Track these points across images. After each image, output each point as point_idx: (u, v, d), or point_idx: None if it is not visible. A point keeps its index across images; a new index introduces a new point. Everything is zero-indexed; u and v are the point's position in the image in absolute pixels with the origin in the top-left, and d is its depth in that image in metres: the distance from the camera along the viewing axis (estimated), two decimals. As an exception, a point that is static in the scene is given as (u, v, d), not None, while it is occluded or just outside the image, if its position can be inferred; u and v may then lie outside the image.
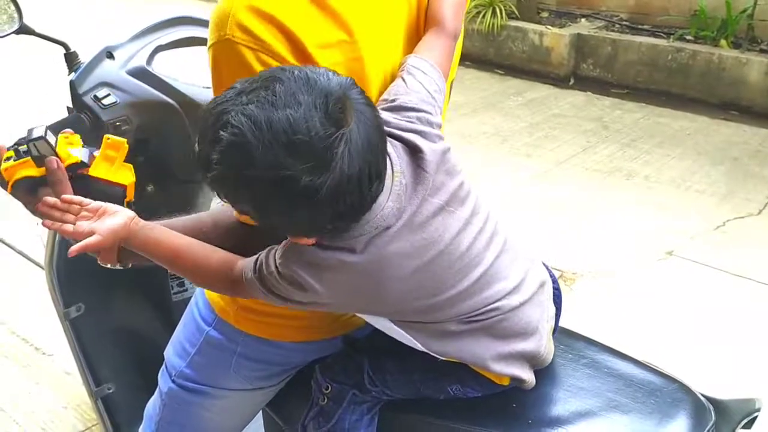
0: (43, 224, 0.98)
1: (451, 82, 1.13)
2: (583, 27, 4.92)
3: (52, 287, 1.57)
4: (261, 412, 1.29)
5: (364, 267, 0.90)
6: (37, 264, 2.62)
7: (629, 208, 3.21)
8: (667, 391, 1.07)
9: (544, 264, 1.10)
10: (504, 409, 1.05)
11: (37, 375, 2.26)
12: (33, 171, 1.02)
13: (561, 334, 1.15)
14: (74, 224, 0.98)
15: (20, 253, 2.79)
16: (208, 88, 1.46)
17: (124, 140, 1.05)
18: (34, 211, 1.03)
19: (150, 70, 1.42)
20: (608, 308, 2.52)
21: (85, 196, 1.01)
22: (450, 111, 1.10)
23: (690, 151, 3.79)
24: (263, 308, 1.11)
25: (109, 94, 1.35)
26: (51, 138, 1.02)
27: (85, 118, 1.33)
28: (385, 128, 0.89)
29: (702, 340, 2.34)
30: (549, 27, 4.92)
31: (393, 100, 0.96)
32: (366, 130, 0.82)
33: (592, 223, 3.10)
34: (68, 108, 1.38)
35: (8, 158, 1.04)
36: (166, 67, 1.47)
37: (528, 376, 1.03)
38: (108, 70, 1.38)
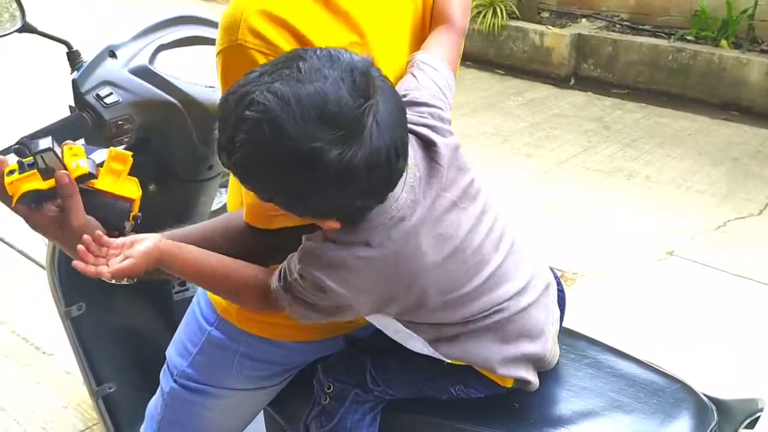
0: (74, 265, 0.93)
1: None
2: (584, 27, 4.92)
3: (53, 286, 1.57)
4: (263, 411, 1.29)
5: (381, 261, 0.89)
6: (38, 263, 2.61)
7: (630, 208, 3.21)
8: (669, 391, 1.07)
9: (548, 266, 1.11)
10: (506, 409, 1.04)
11: (38, 374, 2.26)
12: (40, 184, 0.98)
13: (563, 334, 1.14)
14: (108, 265, 0.93)
15: (20, 252, 2.78)
16: (210, 87, 1.47)
17: (129, 153, 1.02)
18: (36, 227, 1.00)
19: (152, 69, 1.42)
20: (608, 308, 2.52)
21: (90, 210, 0.99)
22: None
23: (690, 151, 3.79)
24: (265, 307, 1.11)
25: (111, 93, 1.34)
26: (57, 149, 0.98)
27: (88, 117, 1.33)
28: None
29: (702, 340, 2.34)
30: (549, 27, 4.91)
31: (404, 96, 0.96)
32: (389, 104, 0.82)
33: (593, 223, 3.10)
34: (70, 107, 1.37)
35: (11, 171, 0.99)
36: (169, 66, 1.46)
37: (533, 378, 1.03)
38: (110, 68, 1.38)
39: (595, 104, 4.45)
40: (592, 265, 2.78)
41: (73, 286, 1.56)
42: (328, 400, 1.07)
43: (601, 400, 1.05)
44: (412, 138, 0.93)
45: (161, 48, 1.47)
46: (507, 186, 3.37)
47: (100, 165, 1.03)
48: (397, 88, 0.97)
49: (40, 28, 1.44)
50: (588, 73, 4.79)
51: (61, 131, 1.23)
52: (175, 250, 0.96)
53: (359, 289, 0.91)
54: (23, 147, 1.24)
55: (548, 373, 1.08)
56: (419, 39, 1.07)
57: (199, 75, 1.47)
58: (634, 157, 3.72)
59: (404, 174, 0.89)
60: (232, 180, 1.12)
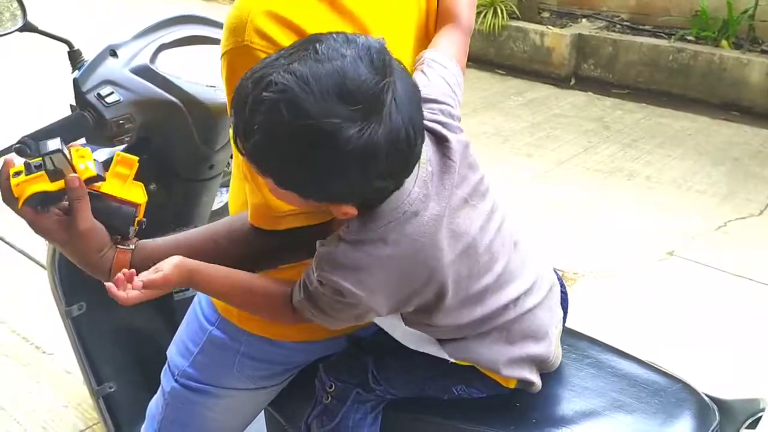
0: (108, 287, 0.93)
1: None
2: (584, 27, 4.92)
3: (53, 286, 1.57)
4: (263, 411, 1.29)
5: (398, 259, 0.88)
6: (38, 263, 2.61)
7: (630, 208, 3.21)
8: (671, 391, 1.07)
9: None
10: (508, 409, 1.04)
11: (38, 374, 2.26)
12: (48, 186, 0.96)
13: (565, 334, 1.14)
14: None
15: (21, 251, 2.78)
16: (212, 86, 1.47)
17: (136, 158, 1.01)
18: (40, 230, 0.98)
19: (153, 68, 1.42)
20: (609, 308, 2.52)
21: (95, 214, 0.98)
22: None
23: (691, 151, 3.79)
24: (267, 307, 1.11)
25: (112, 92, 1.34)
26: (66, 151, 0.96)
27: (89, 116, 1.33)
28: None
29: (703, 341, 2.34)
30: (550, 27, 4.91)
31: None
32: (406, 85, 0.82)
33: (593, 223, 3.10)
34: (71, 106, 1.37)
35: (17, 173, 0.97)
36: (170, 65, 1.46)
37: (536, 379, 1.03)
38: (111, 68, 1.38)
39: (595, 104, 4.45)
40: (593, 265, 2.78)
41: (73, 286, 1.56)
42: (329, 399, 1.07)
43: (603, 400, 1.05)
44: (425, 134, 0.93)
45: (162, 47, 1.47)
46: (507, 186, 3.37)
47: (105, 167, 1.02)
48: None
49: (41, 28, 1.44)
50: (588, 73, 4.79)
51: (62, 130, 1.22)
52: (202, 267, 0.96)
53: (376, 289, 0.90)
54: (24, 146, 1.24)
55: (550, 373, 1.08)
56: (423, 39, 1.07)
57: (200, 74, 1.47)
58: (634, 158, 3.72)
59: (417, 167, 0.88)
60: (234, 180, 1.12)
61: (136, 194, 1.01)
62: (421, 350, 1.02)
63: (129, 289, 0.92)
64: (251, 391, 1.20)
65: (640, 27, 4.89)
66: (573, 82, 4.80)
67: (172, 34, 1.49)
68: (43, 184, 0.96)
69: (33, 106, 3.63)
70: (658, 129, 4.07)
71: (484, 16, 4.91)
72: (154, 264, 0.99)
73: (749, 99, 4.21)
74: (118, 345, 1.67)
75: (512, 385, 1.03)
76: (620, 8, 5.09)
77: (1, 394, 2.17)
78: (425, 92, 0.96)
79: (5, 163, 0.98)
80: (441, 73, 1.00)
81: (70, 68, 1.45)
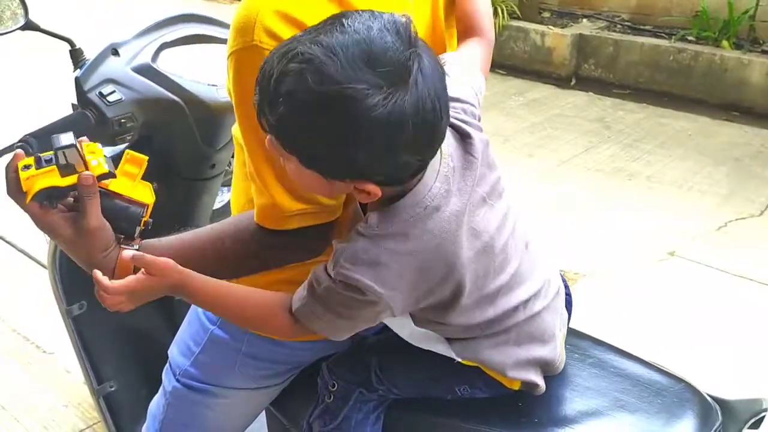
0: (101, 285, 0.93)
1: None
2: (585, 27, 4.92)
3: (54, 285, 1.56)
4: (265, 410, 1.28)
5: (419, 254, 0.87)
6: (38, 262, 2.61)
7: (631, 208, 3.21)
8: (673, 391, 1.07)
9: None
10: (510, 409, 1.04)
11: (38, 373, 2.26)
12: (58, 181, 0.94)
13: (567, 334, 1.14)
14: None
15: (21, 251, 2.78)
16: (213, 85, 1.47)
17: (146, 157, 1.00)
18: (45, 226, 0.97)
19: (155, 67, 1.42)
20: (609, 308, 2.52)
21: (102, 212, 0.96)
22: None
23: (692, 151, 3.78)
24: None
25: (114, 91, 1.34)
26: (79, 146, 0.95)
27: (90, 115, 1.33)
28: None
29: (703, 341, 2.34)
30: (551, 27, 4.91)
31: None
32: (431, 59, 0.82)
33: (594, 223, 3.10)
34: (73, 105, 1.37)
35: (27, 166, 0.95)
36: (172, 64, 1.46)
37: (541, 381, 1.03)
38: (113, 66, 1.38)
39: (596, 104, 4.45)
40: (593, 265, 2.78)
41: (74, 285, 1.56)
42: (332, 398, 1.06)
43: (605, 400, 1.05)
44: (448, 130, 0.92)
45: (164, 46, 1.47)
46: (508, 186, 3.37)
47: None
48: None
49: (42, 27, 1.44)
50: (589, 74, 4.78)
51: (63, 129, 1.22)
52: (192, 274, 0.94)
53: (397, 286, 0.88)
54: (26, 145, 1.24)
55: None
56: (431, 42, 1.07)
57: (202, 73, 1.47)
58: (635, 158, 3.72)
59: (439, 161, 0.88)
60: (236, 179, 1.12)
61: (145, 194, 1.00)
62: (429, 349, 1.01)
63: (112, 286, 0.91)
64: (253, 391, 1.20)
65: (641, 27, 4.89)
66: (574, 82, 4.79)
67: (173, 33, 1.49)
68: (53, 179, 0.94)
69: (33, 105, 3.63)
70: (659, 129, 4.07)
71: (485, 16, 4.91)
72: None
73: (750, 99, 4.21)
74: (119, 344, 1.67)
75: (516, 386, 1.03)
76: (621, 8, 5.09)
77: (2, 393, 2.16)
78: (450, 91, 0.96)
79: (15, 156, 0.96)
80: (464, 76, 1.01)
81: (72, 67, 1.45)
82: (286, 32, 0.90)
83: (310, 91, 0.77)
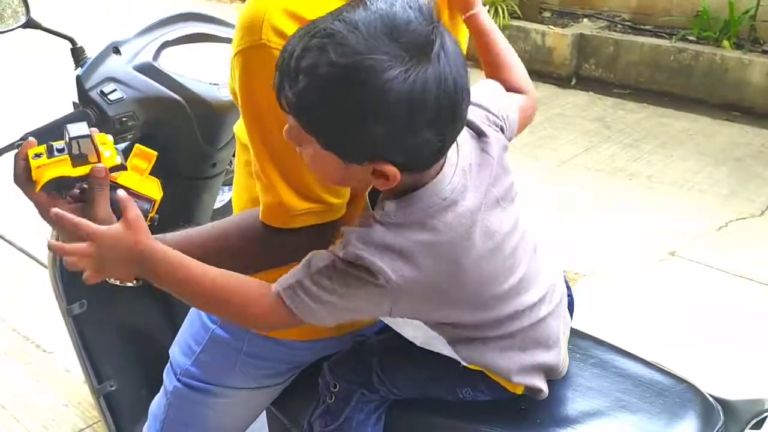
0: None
1: None
2: (586, 27, 4.91)
3: (54, 284, 1.56)
4: (266, 410, 1.28)
5: (435, 246, 0.86)
6: (38, 261, 2.61)
7: (631, 208, 3.21)
8: (675, 392, 1.07)
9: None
10: (512, 410, 1.04)
11: (39, 372, 2.25)
12: (69, 171, 0.93)
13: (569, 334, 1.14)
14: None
15: (21, 250, 2.78)
16: (215, 84, 1.46)
17: (155, 152, 0.99)
18: (51, 218, 0.93)
19: (157, 65, 1.42)
20: (610, 308, 2.52)
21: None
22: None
23: (692, 151, 3.78)
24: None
25: (115, 90, 1.34)
26: (93, 137, 0.94)
27: (91, 114, 1.33)
28: None
29: (704, 341, 2.34)
30: (551, 27, 4.91)
31: None
32: (453, 42, 0.81)
33: (594, 222, 3.10)
34: (74, 103, 1.37)
35: (37, 155, 0.94)
36: (173, 63, 1.46)
37: (544, 386, 1.02)
38: (114, 65, 1.38)
39: (596, 104, 4.45)
40: (594, 265, 2.78)
41: (74, 284, 1.56)
42: (333, 399, 1.06)
43: (607, 400, 1.05)
44: (464, 129, 0.92)
45: (166, 45, 1.46)
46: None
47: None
48: None
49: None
50: (589, 73, 4.78)
51: (57, 132, 1.22)
52: (165, 247, 0.89)
53: (407, 274, 0.85)
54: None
55: (554, 373, 1.07)
56: None
57: (203, 72, 1.46)
58: (635, 157, 3.72)
59: (456, 154, 0.88)
60: (238, 178, 1.12)
61: (153, 189, 0.99)
62: (431, 349, 1.01)
63: (86, 224, 0.86)
64: (253, 390, 1.20)
65: (642, 27, 4.88)
66: (574, 81, 4.79)
67: (175, 32, 1.49)
68: (65, 169, 0.93)
69: (33, 105, 3.63)
70: (660, 129, 4.06)
71: (485, 15, 4.91)
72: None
73: (750, 99, 4.21)
74: (119, 343, 1.67)
75: (519, 391, 1.02)
76: (621, 8, 5.09)
77: (2, 392, 2.16)
78: (474, 97, 0.95)
79: (26, 143, 0.95)
80: (498, 97, 1.02)
81: (73, 65, 1.45)
82: (295, 31, 0.89)
83: (331, 63, 0.76)
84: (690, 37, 4.53)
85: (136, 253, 0.87)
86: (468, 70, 0.83)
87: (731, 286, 2.66)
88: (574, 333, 1.15)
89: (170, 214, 1.12)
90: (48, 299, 1.62)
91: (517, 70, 1.14)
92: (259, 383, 1.19)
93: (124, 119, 1.34)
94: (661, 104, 4.37)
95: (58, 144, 0.94)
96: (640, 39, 4.63)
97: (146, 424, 1.30)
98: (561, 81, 4.78)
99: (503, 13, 4.90)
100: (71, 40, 1.45)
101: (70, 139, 0.93)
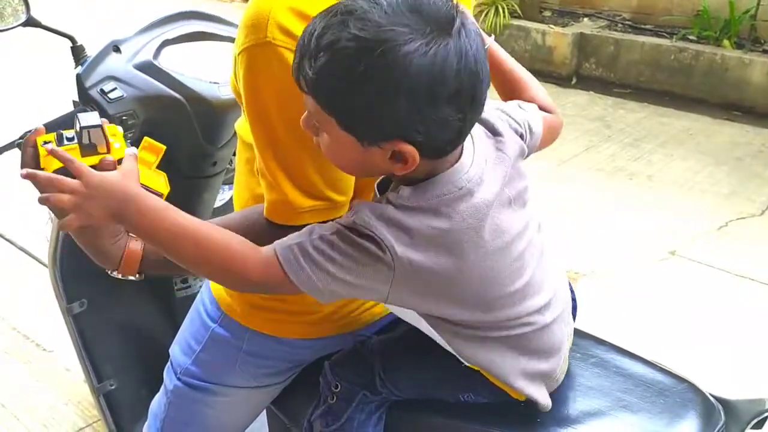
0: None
1: None
2: (586, 26, 4.91)
3: (55, 283, 1.56)
4: (266, 409, 1.28)
5: (445, 235, 0.85)
6: (38, 260, 2.60)
7: (631, 208, 3.21)
8: (676, 391, 1.07)
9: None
10: (512, 410, 1.04)
11: (38, 371, 2.25)
12: (78, 160, 0.91)
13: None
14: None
15: (21, 249, 2.77)
16: (215, 83, 1.46)
17: (163, 146, 0.98)
18: (57, 207, 0.93)
19: (157, 64, 1.42)
20: (610, 308, 2.52)
21: None
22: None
23: (693, 151, 3.78)
24: (270, 304, 1.10)
25: (115, 88, 1.34)
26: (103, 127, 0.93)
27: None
28: None
29: (704, 340, 2.34)
30: (552, 26, 4.91)
31: None
32: (474, 27, 0.81)
33: (594, 222, 3.10)
34: (74, 102, 1.37)
35: (46, 143, 0.92)
36: (173, 61, 1.46)
37: (546, 398, 1.01)
38: (115, 63, 1.38)
39: (597, 103, 4.44)
40: (594, 265, 2.77)
41: (74, 283, 1.56)
42: (334, 399, 1.05)
43: (608, 400, 1.05)
44: (479, 127, 0.92)
45: (166, 43, 1.46)
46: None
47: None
48: None
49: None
50: (590, 73, 4.78)
51: (64, 126, 1.22)
52: (153, 196, 0.87)
53: (412, 256, 0.84)
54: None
55: (555, 373, 1.07)
56: None
57: (203, 71, 1.46)
58: (636, 157, 3.72)
59: (473, 146, 0.88)
60: (239, 176, 1.11)
61: (160, 183, 0.99)
62: (436, 340, 0.99)
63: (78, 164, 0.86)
64: (254, 389, 1.19)
65: (642, 26, 4.88)
66: (574, 81, 4.79)
67: (175, 30, 1.49)
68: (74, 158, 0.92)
69: (33, 104, 3.63)
70: (660, 128, 4.06)
71: (486, 15, 4.90)
72: (165, 255, 0.97)
73: (751, 99, 4.20)
74: (120, 343, 1.67)
75: (522, 397, 1.01)
76: (622, 7, 5.08)
77: (2, 391, 2.16)
78: (500, 105, 0.95)
79: (35, 131, 0.94)
80: (525, 107, 1.02)
81: (73, 64, 1.45)
82: (300, 29, 0.89)
83: (351, 37, 0.76)
84: (690, 37, 4.53)
85: (123, 193, 0.87)
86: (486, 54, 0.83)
87: (731, 286, 2.66)
88: (575, 332, 1.15)
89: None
90: (48, 298, 1.62)
91: (542, 91, 1.13)
92: (260, 382, 1.18)
93: (124, 118, 1.34)
94: (662, 104, 4.37)
95: (68, 133, 0.94)
96: (641, 38, 4.63)
97: (146, 423, 1.30)
98: (561, 80, 4.78)
99: (503, 12, 4.89)
100: (71, 38, 1.45)
101: (81, 128, 0.92)
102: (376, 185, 0.96)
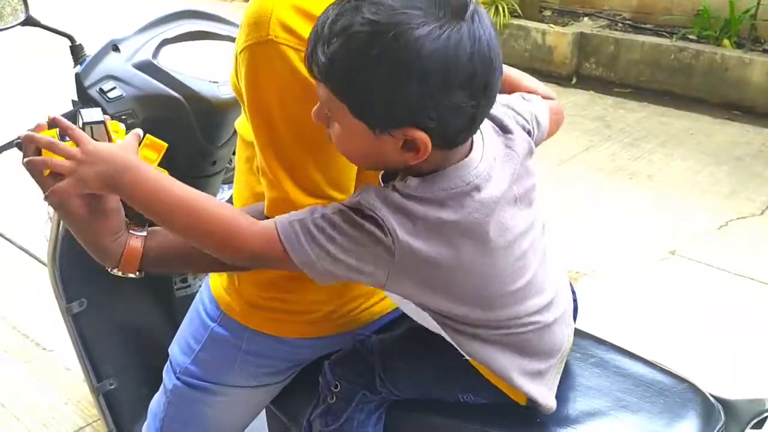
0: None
1: None
2: (586, 26, 4.91)
3: (54, 282, 1.56)
4: (265, 409, 1.28)
5: (446, 227, 0.84)
6: (38, 259, 2.60)
7: (631, 208, 3.21)
8: (676, 391, 1.06)
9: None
10: (512, 410, 1.03)
11: (38, 371, 2.25)
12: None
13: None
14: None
15: (21, 248, 2.77)
16: (214, 82, 1.46)
17: (165, 144, 0.98)
18: (59, 204, 0.93)
19: (156, 63, 1.41)
20: (610, 308, 2.52)
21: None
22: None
23: (693, 150, 3.78)
24: (270, 304, 1.10)
25: (114, 87, 1.34)
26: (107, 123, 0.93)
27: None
28: None
29: (704, 340, 2.33)
30: (552, 25, 4.90)
31: None
32: (485, 11, 0.81)
33: (594, 222, 3.10)
34: (73, 101, 1.37)
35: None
36: (172, 60, 1.45)
37: (550, 399, 1.00)
38: (114, 63, 1.37)
39: (597, 103, 4.44)
40: (594, 265, 2.77)
41: (74, 282, 1.55)
42: (334, 399, 1.05)
43: (608, 400, 1.05)
44: (488, 124, 0.92)
45: (165, 42, 1.46)
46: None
47: None
48: None
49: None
50: (590, 72, 4.78)
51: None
52: (148, 167, 0.88)
53: (413, 244, 0.84)
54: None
55: (554, 373, 1.07)
56: None
57: (202, 70, 1.46)
58: (636, 157, 3.72)
59: (482, 141, 0.88)
60: (239, 175, 1.11)
61: None
62: (437, 331, 0.98)
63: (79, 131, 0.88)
64: (253, 389, 1.19)
65: (642, 26, 4.88)
66: (575, 80, 4.79)
67: (174, 29, 1.49)
68: None
69: (33, 104, 3.63)
70: (660, 128, 4.06)
71: (486, 14, 4.90)
72: (166, 252, 0.96)
73: (751, 99, 4.20)
74: (119, 342, 1.67)
75: (522, 401, 1.01)
76: (622, 7, 5.08)
77: (2, 391, 2.16)
78: (505, 99, 0.95)
79: (37, 127, 0.94)
80: (528, 98, 1.02)
81: (72, 63, 1.45)
82: (303, 27, 0.89)
83: (365, 21, 0.76)
84: (690, 36, 4.52)
85: (119, 162, 0.87)
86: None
87: (732, 286, 2.65)
88: (575, 332, 1.15)
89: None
90: (48, 297, 1.61)
91: (535, 81, 1.13)
92: (259, 381, 1.18)
93: (123, 117, 1.34)
94: (662, 103, 4.37)
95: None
96: (641, 38, 4.62)
97: (146, 422, 1.30)
98: (561, 80, 4.77)
99: (503, 11, 4.89)
100: (70, 37, 1.45)
101: (84, 124, 0.92)
102: (380, 177, 0.96)
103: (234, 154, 1.31)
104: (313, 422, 1.08)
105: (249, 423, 1.28)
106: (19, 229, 2.73)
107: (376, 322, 1.16)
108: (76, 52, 1.45)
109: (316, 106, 0.85)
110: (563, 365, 1.06)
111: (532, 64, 4.89)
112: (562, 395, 1.05)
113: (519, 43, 4.94)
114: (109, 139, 0.94)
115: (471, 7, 0.79)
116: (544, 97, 1.10)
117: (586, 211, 3.18)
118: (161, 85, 1.40)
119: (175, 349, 1.23)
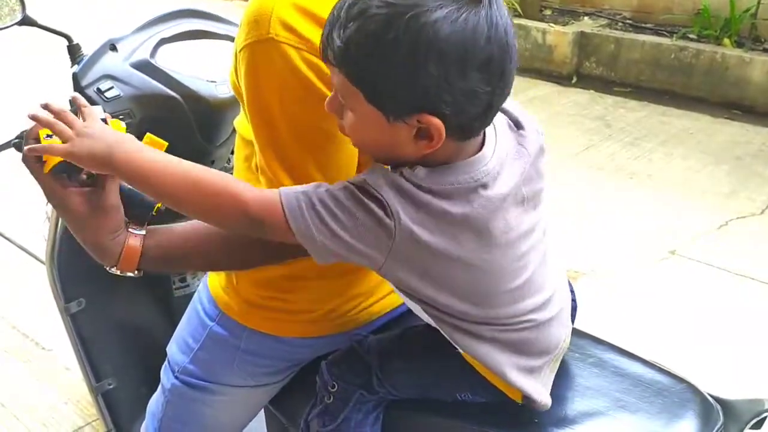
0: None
1: None
2: (586, 25, 4.91)
3: (53, 282, 1.56)
4: (264, 409, 1.28)
5: (447, 218, 0.84)
6: (38, 259, 2.60)
7: (631, 207, 3.20)
8: (674, 391, 1.06)
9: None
10: (510, 410, 1.03)
11: (38, 370, 2.25)
12: None
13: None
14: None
15: (20, 247, 2.77)
16: (212, 81, 1.46)
17: (166, 142, 0.97)
18: (58, 201, 0.94)
19: (154, 62, 1.41)
20: (610, 307, 2.51)
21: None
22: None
23: (693, 150, 3.78)
24: (268, 303, 1.10)
25: (112, 87, 1.34)
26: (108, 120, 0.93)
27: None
28: None
29: (704, 340, 2.33)
30: (552, 25, 4.90)
31: None
32: (502, 2, 0.81)
33: (594, 221, 3.09)
34: (70, 101, 1.36)
35: (49, 135, 0.92)
36: (170, 59, 1.45)
37: (545, 396, 1.00)
38: (111, 62, 1.37)
39: (597, 102, 4.44)
40: (594, 264, 2.77)
41: (72, 282, 1.55)
42: (331, 399, 1.05)
43: (606, 400, 1.04)
44: (503, 119, 0.91)
45: (163, 42, 1.46)
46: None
47: None
48: None
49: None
50: (590, 71, 4.78)
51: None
52: (138, 143, 0.89)
53: (413, 228, 0.83)
54: (23, 141, 1.23)
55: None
56: None
57: (200, 69, 1.46)
58: (636, 156, 3.71)
59: (494, 138, 0.87)
60: (238, 174, 1.11)
61: None
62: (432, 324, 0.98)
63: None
64: (251, 389, 1.19)
65: (642, 25, 4.88)
66: (575, 80, 4.79)
67: (172, 29, 1.48)
68: None
69: (32, 105, 3.62)
70: (660, 127, 4.06)
71: (486, 13, 4.90)
72: (164, 251, 0.96)
73: (751, 98, 4.20)
74: (118, 342, 1.67)
75: (518, 399, 1.01)
76: (622, 6, 5.08)
77: (1, 390, 2.16)
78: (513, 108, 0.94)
79: (37, 124, 0.93)
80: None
81: (70, 62, 1.44)
82: (303, 25, 0.88)
83: (382, 4, 0.76)
84: (691, 36, 4.52)
85: (114, 138, 0.88)
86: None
87: (732, 285, 2.65)
88: (573, 332, 1.15)
89: (168, 211, 1.11)
90: (48, 297, 1.61)
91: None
92: (258, 381, 1.18)
93: (121, 117, 1.33)
94: (662, 103, 4.37)
95: None
96: (641, 37, 4.62)
97: (144, 422, 1.30)
98: (562, 79, 4.77)
99: (504, 11, 4.89)
100: (67, 37, 1.45)
101: None
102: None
103: (232, 153, 1.31)
104: (311, 422, 1.08)
105: (247, 423, 1.28)
106: (18, 228, 2.73)
107: (374, 322, 1.16)
108: (74, 51, 1.44)
109: (329, 97, 0.84)
110: (558, 363, 1.05)
111: (532, 64, 4.89)
112: (560, 395, 1.05)
113: (519, 42, 4.90)
114: None
115: None
116: None
117: (586, 211, 3.18)
118: (159, 85, 1.40)
119: (173, 349, 1.23)
